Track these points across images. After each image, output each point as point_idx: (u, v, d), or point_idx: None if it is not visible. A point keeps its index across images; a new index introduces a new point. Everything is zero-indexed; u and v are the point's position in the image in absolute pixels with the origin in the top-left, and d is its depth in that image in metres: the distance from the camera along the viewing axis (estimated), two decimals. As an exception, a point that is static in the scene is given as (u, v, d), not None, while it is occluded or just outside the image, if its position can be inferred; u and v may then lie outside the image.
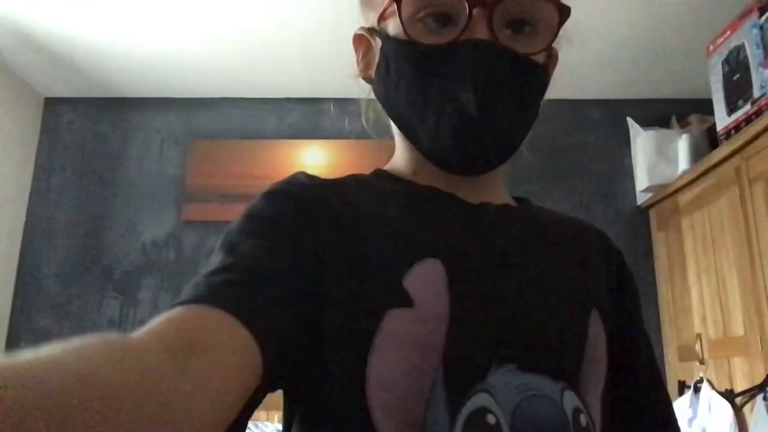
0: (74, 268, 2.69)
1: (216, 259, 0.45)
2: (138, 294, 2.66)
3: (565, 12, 0.53)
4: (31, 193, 2.79)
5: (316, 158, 2.77)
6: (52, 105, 2.89)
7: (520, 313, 0.48)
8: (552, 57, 0.58)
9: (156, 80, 2.74)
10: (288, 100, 2.86)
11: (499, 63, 0.50)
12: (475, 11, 0.50)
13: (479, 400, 0.43)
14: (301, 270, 0.46)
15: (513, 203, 0.60)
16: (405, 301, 0.45)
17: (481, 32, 0.50)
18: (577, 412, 0.46)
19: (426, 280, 0.46)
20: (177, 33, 2.38)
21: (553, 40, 0.53)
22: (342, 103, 2.61)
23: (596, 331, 0.52)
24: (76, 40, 2.42)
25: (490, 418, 0.43)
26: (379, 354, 0.43)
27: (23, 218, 2.75)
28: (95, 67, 2.63)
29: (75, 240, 2.73)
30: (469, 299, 0.47)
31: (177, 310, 0.37)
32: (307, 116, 2.82)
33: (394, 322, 0.44)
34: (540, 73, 0.55)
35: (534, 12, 0.52)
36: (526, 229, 0.56)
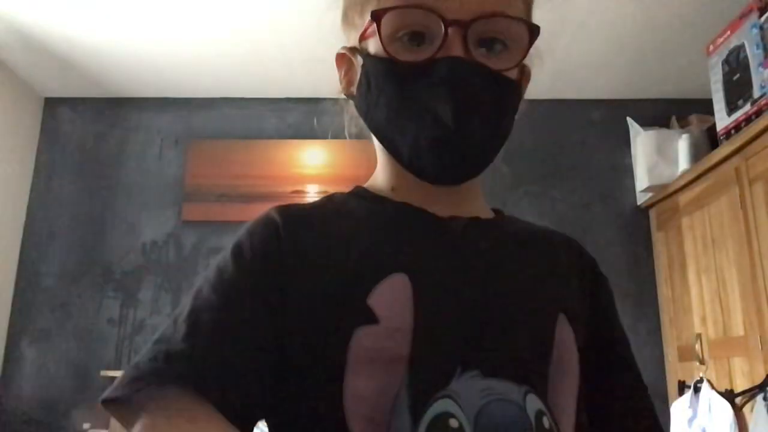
0: (74, 268, 2.69)
1: (180, 331, 0.49)
2: (138, 294, 2.66)
3: (534, 31, 0.56)
4: (31, 193, 2.79)
5: (315, 158, 2.77)
6: (52, 105, 2.90)
7: (483, 321, 0.50)
8: (525, 74, 0.61)
9: (156, 80, 2.74)
10: (288, 100, 2.86)
11: (473, 78, 0.53)
12: (450, 30, 0.53)
13: (442, 405, 0.46)
14: (265, 326, 0.50)
15: (488, 214, 0.63)
16: (371, 318, 0.48)
17: (456, 50, 0.53)
18: (540, 414, 0.48)
19: (391, 295, 0.49)
20: (177, 33, 2.38)
21: (523, 58, 0.56)
22: (342, 103, 2.61)
23: (564, 336, 0.53)
24: (76, 40, 2.42)
25: (453, 422, 0.45)
26: (352, 370, 0.47)
27: (23, 218, 2.75)
28: (95, 67, 2.63)
29: (75, 240, 2.73)
30: (434, 310, 0.49)
31: (152, 419, 0.46)
32: (307, 116, 2.82)
33: (362, 339, 0.47)
34: (512, 88, 0.57)
35: (505, 32, 0.55)
36: (494, 240, 0.58)
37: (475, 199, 0.62)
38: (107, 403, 0.47)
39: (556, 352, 0.52)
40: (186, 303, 0.52)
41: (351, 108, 0.67)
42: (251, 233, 0.55)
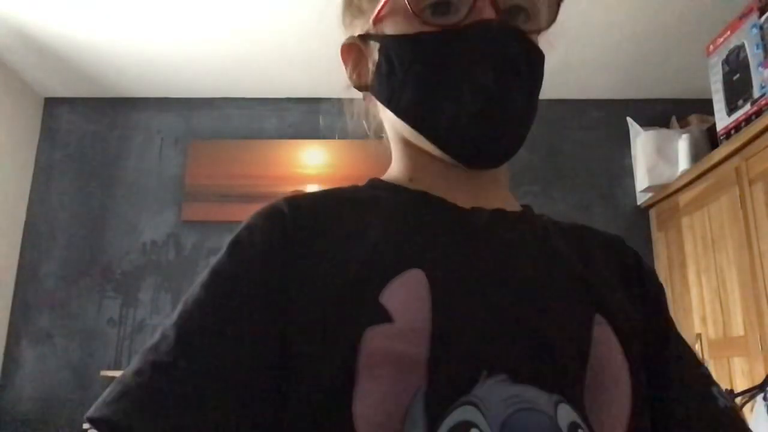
0: (74, 268, 2.69)
1: (167, 339, 0.45)
2: (138, 294, 2.66)
3: None
4: (31, 193, 2.79)
5: (315, 158, 2.77)
6: (52, 105, 2.90)
7: (510, 321, 0.45)
8: None
9: (156, 80, 2.74)
10: (288, 100, 2.86)
11: (511, 41, 0.50)
12: None
13: (462, 413, 0.41)
14: (263, 330, 0.46)
15: (514, 207, 0.58)
16: (384, 317, 0.43)
17: (488, 13, 0.50)
18: (574, 426, 0.42)
19: (406, 292, 0.45)
20: (177, 33, 2.38)
21: (554, 20, 0.53)
22: (344, 102, 2.61)
23: (603, 339, 0.47)
24: (76, 40, 2.42)
25: None
26: (362, 373, 0.42)
27: (23, 218, 2.75)
28: (95, 67, 2.63)
29: (75, 240, 2.73)
30: (454, 309, 0.45)
31: None
32: (307, 116, 2.82)
33: (374, 339, 0.42)
34: (543, 57, 0.54)
35: None
36: (519, 234, 0.53)
37: (500, 190, 0.58)
38: (93, 422, 0.43)
39: (595, 356, 0.46)
40: (178, 307, 0.48)
41: (354, 106, 0.64)
42: (251, 227, 0.51)
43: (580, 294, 0.50)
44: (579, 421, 0.43)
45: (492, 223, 0.52)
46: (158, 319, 2.62)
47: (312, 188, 2.71)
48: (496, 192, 0.57)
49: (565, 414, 0.42)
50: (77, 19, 2.28)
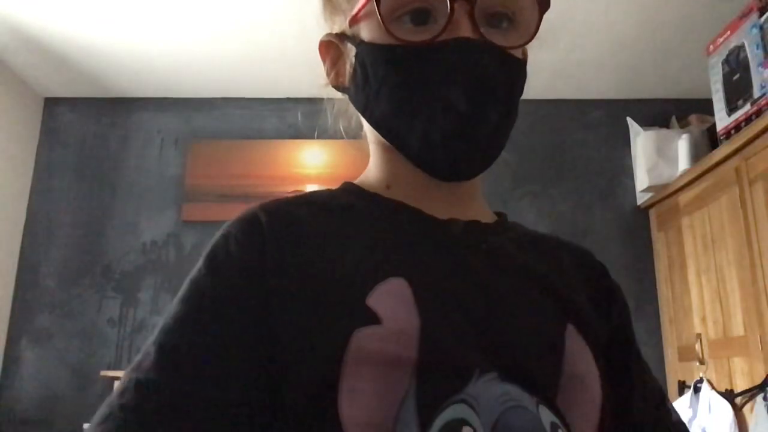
0: (74, 267, 2.69)
1: (149, 357, 0.44)
2: (138, 294, 2.66)
3: (544, 3, 0.52)
4: (31, 193, 2.79)
5: (315, 158, 2.77)
6: (52, 105, 2.90)
7: (490, 326, 0.47)
8: (524, 54, 0.56)
9: (156, 80, 2.74)
10: (288, 100, 2.86)
11: (486, 60, 0.49)
12: (456, 5, 0.48)
13: (455, 411, 0.41)
14: (245, 343, 0.45)
15: (489, 218, 0.58)
16: (371, 319, 0.43)
17: (464, 28, 0.49)
18: (554, 426, 0.44)
19: (391, 297, 0.45)
20: (177, 33, 2.38)
21: (536, 32, 0.52)
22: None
23: (575, 346, 0.49)
24: (76, 40, 2.42)
25: (467, 430, 0.41)
26: (351, 374, 0.42)
27: (23, 218, 2.75)
28: (95, 67, 2.63)
29: (75, 240, 2.73)
30: (438, 313, 0.45)
31: None
32: (307, 116, 2.82)
33: (362, 340, 0.42)
34: (522, 69, 0.53)
35: (513, 5, 0.51)
36: (495, 245, 0.54)
37: (475, 201, 0.58)
38: None
39: (567, 362, 0.47)
40: (160, 321, 0.47)
41: (336, 104, 0.63)
42: (228, 236, 0.50)
43: (552, 303, 0.51)
44: (557, 422, 0.44)
45: (467, 234, 0.53)
46: (158, 319, 2.61)
47: (312, 188, 2.70)
48: (471, 202, 0.57)
49: (545, 414, 0.44)
50: (77, 19, 2.28)
